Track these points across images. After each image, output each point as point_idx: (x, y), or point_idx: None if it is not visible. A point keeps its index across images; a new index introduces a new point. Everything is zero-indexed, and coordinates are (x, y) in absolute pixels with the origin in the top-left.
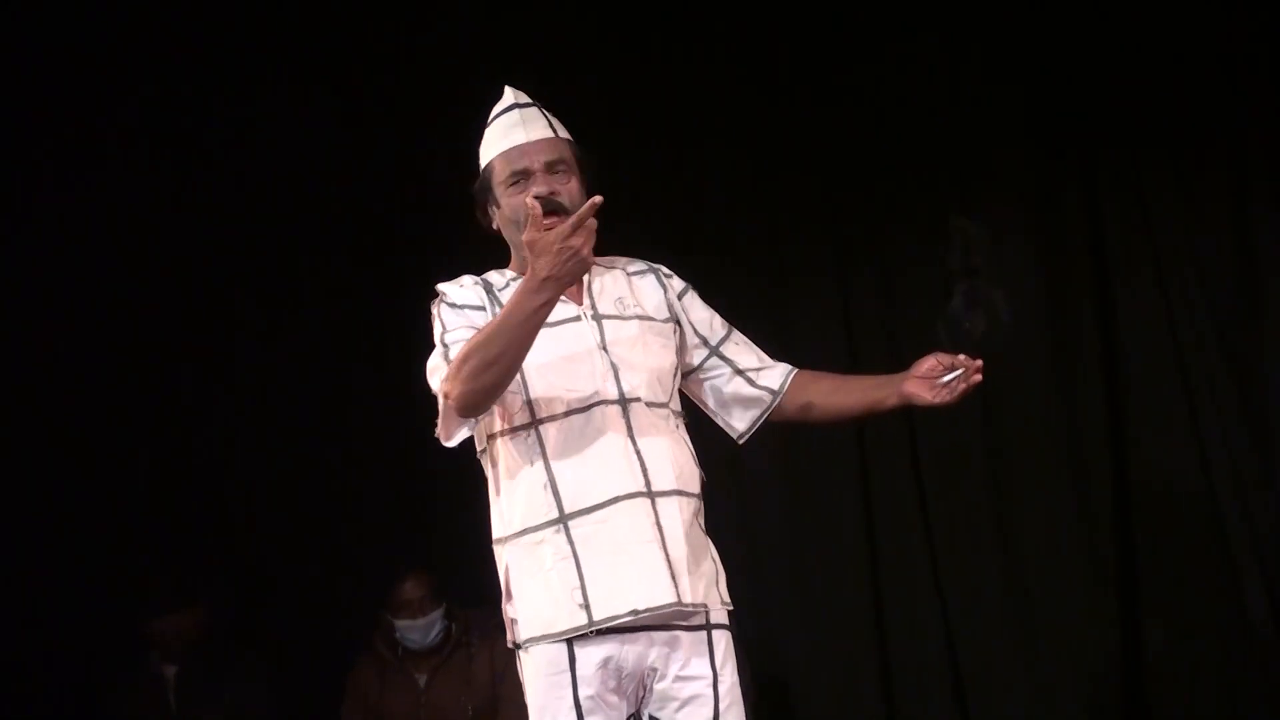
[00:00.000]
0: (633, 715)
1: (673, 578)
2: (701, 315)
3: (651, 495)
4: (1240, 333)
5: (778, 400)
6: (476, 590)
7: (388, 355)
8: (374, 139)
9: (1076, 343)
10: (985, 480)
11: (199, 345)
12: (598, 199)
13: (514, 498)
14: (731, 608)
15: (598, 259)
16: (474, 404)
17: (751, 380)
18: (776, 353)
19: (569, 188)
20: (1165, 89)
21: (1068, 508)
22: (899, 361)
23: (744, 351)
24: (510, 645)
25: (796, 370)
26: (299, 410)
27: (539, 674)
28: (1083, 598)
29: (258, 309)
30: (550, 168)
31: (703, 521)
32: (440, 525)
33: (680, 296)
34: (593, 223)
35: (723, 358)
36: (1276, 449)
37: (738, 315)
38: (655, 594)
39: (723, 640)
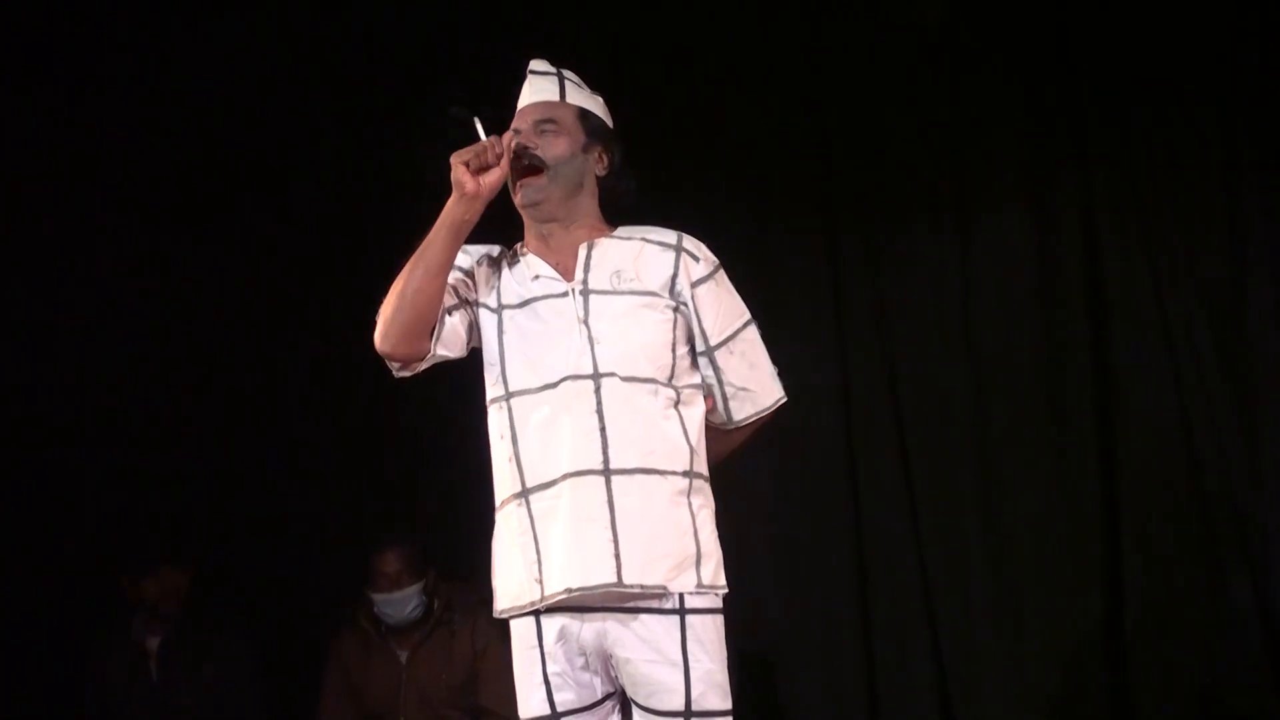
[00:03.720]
0: (611, 694)
1: (616, 558)
2: (709, 310)
3: (608, 473)
4: (1230, 323)
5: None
6: (466, 564)
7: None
8: (377, 139)
9: (1066, 330)
10: (973, 464)
11: (193, 314)
12: (507, 135)
13: (495, 469)
14: (713, 592)
15: (622, 227)
16: (393, 342)
17: (726, 398)
18: (767, 333)
19: (550, 142)
20: (1159, 71)
21: (1055, 495)
22: (887, 337)
23: (736, 365)
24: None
25: (768, 412)
26: (286, 381)
27: (516, 647)
28: (1067, 581)
29: (246, 280)
30: (537, 126)
31: (694, 501)
32: (427, 498)
33: (696, 284)
34: (492, 151)
35: (714, 364)
36: (1263, 435)
37: (728, 269)
38: (592, 574)
39: (699, 624)
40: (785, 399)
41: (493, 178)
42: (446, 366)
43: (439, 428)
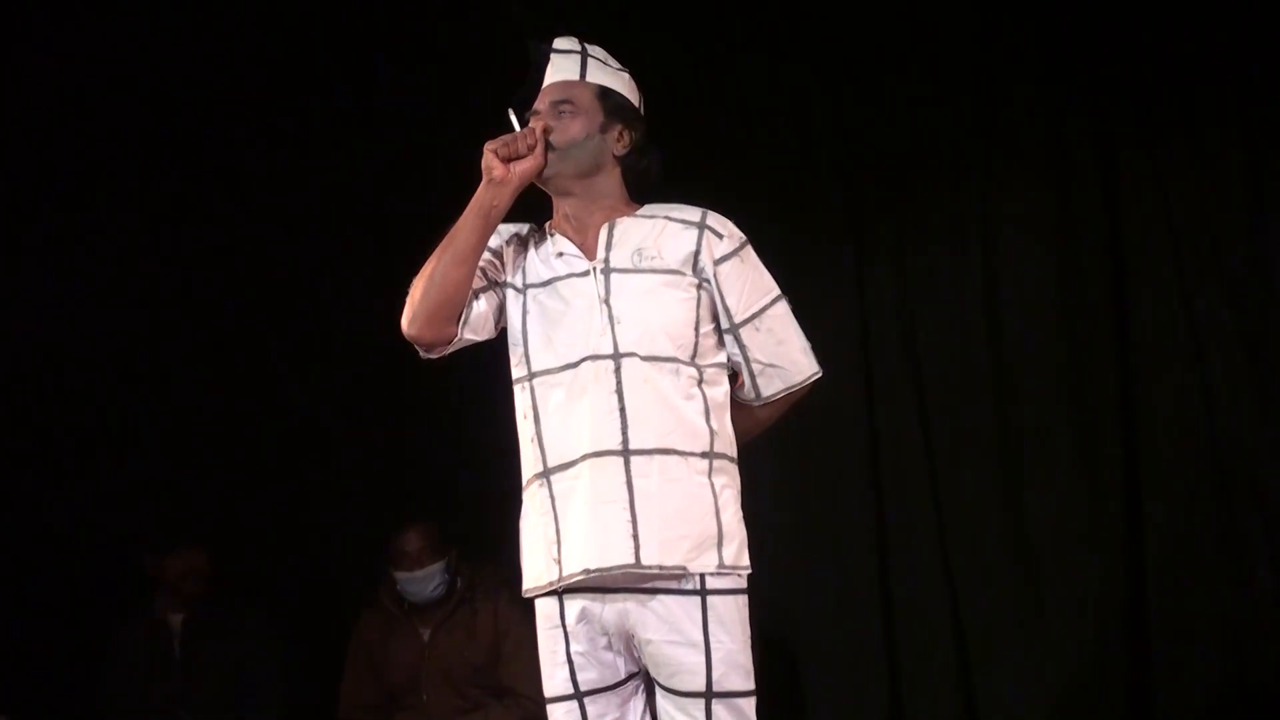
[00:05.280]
0: (635, 674)
1: (634, 538)
2: (733, 287)
3: (626, 453)
4: (1255, 311)
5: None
6: (492, 543)
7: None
8: (389, 145)
9: (1090, 321)
10: (995, 452)
11: (215, 292)
12: (540, 124)
13: (521, 449)
14: (736, 572)
15: (647, 206)
16: (419, 326)
17: (753, 375)
18: (788, 284)
19: (564, 124)
20: (1183, 64)
21: (1078, 485)
22: (910, 333)
23: (763, 341)
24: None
25: (799, 387)
26: (308, 359)
27: (540, 626)
28: (1090, 570)
29: (267, 258)
30: (555, 106)
31: (716, 481)
32: (453, 476)
33: (720, 261)
34: (525, 141)
35: (739, 341)
36: None
37: (756, 250)
38: (609, 554)
39: (721, 605)
40: (819, 373)
41: (524, 165)
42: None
43: (467, 405)
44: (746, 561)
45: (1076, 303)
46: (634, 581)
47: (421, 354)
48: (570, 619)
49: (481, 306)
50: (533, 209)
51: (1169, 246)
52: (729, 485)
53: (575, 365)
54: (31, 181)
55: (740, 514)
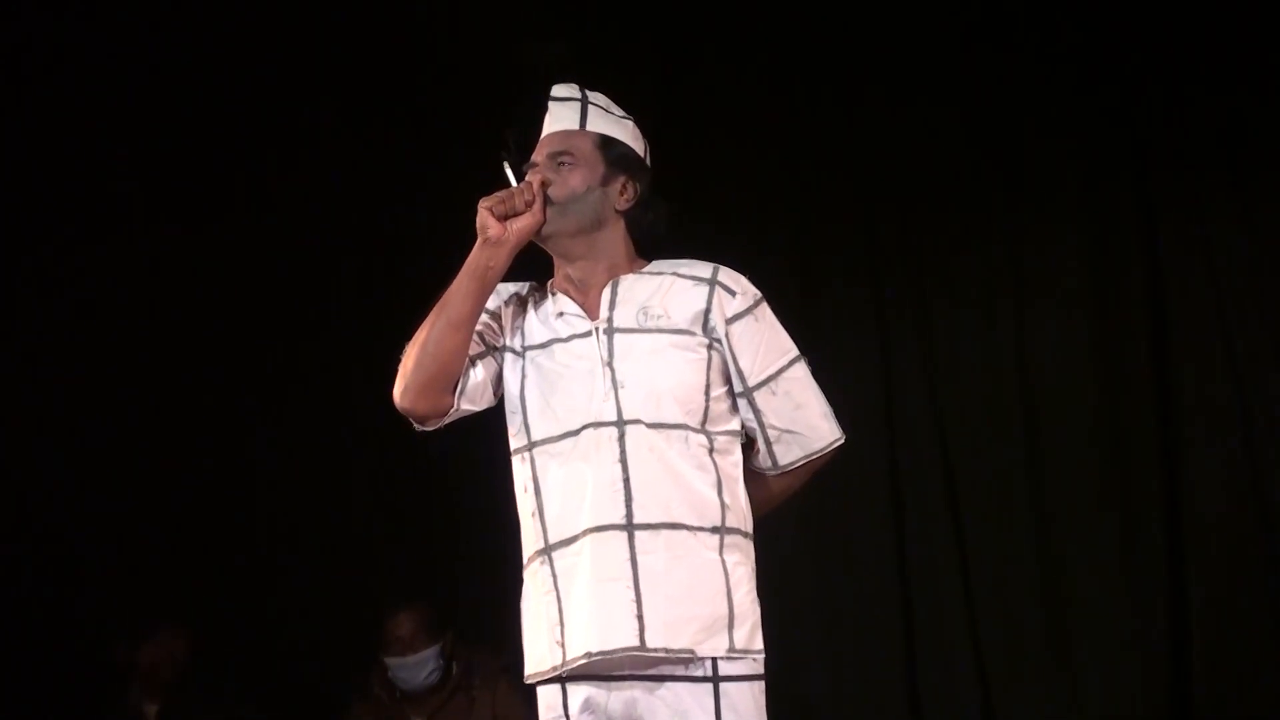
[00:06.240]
0: None
1: (639, 619)
2: (747, 348)
3: (630, 528)
4: None
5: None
6: (491, 626)
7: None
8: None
9: (1127, 364)
10: (1030, 534)
11: (192, 361)
12: (538, 179)
13: (522, 524)
14: (750, 656)
15: (655, 262)
16: (412, 397)
17: (769, 442)
18: (807, 350)
19: (564, 177)
20: (1229, 117)
21: (1114, 543)
22: (931, 365)
23: (780, 406)
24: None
25: (820, 455)
26: (293, 430)
27: (543, 717)
28: (1130, 661)
29: (248, 327)
30: (553, 158)
31: (728, 558)
32: (449, 555)
33: (732, 320)
34: (522, 197)
35: (754, 406)
36: None
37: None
38: (612, 636)
39: (735, 693)
40: (842, 439)
41: (522, 223)
42: None
43: (463, 478)
44: (760, 644)
45: (1114, 356)
46: (640, 666)
47: (416, 426)
48: (574, 708)
49: (479, 374)
50: (536, 266)
51: (1214, 311)
52: (742, 563)
53: (576, 433)
54: None
55: (754, 593)
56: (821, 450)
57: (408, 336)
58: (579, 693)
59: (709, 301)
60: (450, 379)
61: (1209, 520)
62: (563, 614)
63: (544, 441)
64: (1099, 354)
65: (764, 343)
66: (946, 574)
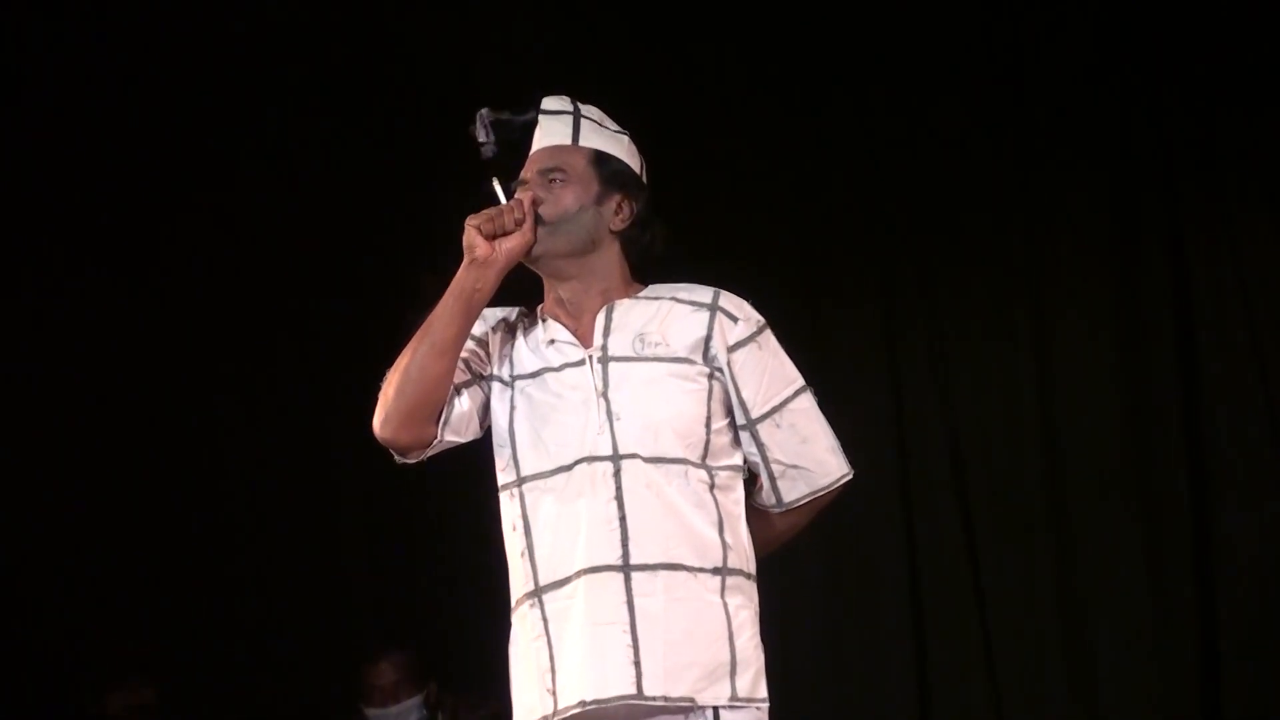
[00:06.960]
0: None
1: (636, 665)
2: (750, 378)
3: (627, 569)
4: None
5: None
6: (477, 673)
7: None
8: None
9: (1154, 386)
10: (1050, 579)
11: (164, 400)
12: (528, 196)
13: (510, 565)
14: (753, 705)
15: (653, 286)
16: (394, 428)
17: (773, 477)
18: (815, 379)
19: (555, 195)
20: (1260, 136)
21: (1140, 572)
22: (941, 384)
23: (784, 439)
24: None
25: (826, 491)
26: (267, 469)
27: None
28: (1157, 675)
29: (222, 366)
30: (544, 175)
31: (730, 601)
32: (432, 598)
33: (734, 348)
34: (511, 215)
35: (756, 440)
36: None
37: (777, 336)
38: (608, 684)
39: None
40: (850, 475)
41: (511, 243)
42: None
43: (447, 515)
44: (764, 693)
45: (1141, 388)
46: (637, 715)
47: (396, 458)
48: None
49: (464, 404)
50: (523, 289)
51: (1245, 330)
52: (744, 606)
53: (569, 468)
54: None
55: (758, 638)
56: (828, 487)
57: (391, 364)
58: None
59: (710, 328)
60: (434, 408)
61: (1240, 558)
62: (554, 660)
63: (534, 477)
64: (1123, 376)
65: (768, 372)
66: (963, 608)
